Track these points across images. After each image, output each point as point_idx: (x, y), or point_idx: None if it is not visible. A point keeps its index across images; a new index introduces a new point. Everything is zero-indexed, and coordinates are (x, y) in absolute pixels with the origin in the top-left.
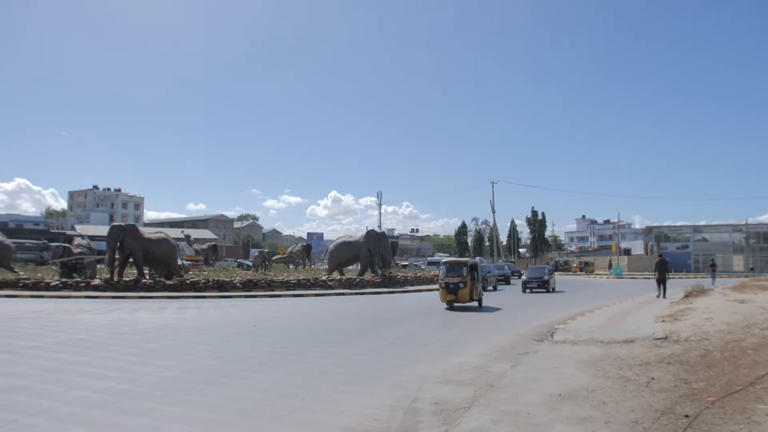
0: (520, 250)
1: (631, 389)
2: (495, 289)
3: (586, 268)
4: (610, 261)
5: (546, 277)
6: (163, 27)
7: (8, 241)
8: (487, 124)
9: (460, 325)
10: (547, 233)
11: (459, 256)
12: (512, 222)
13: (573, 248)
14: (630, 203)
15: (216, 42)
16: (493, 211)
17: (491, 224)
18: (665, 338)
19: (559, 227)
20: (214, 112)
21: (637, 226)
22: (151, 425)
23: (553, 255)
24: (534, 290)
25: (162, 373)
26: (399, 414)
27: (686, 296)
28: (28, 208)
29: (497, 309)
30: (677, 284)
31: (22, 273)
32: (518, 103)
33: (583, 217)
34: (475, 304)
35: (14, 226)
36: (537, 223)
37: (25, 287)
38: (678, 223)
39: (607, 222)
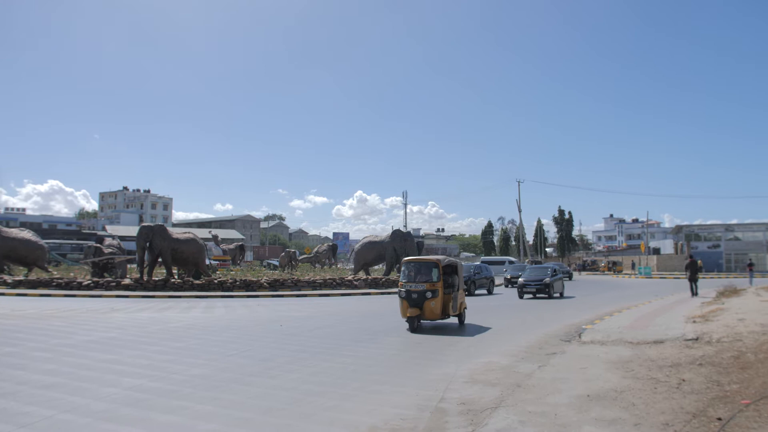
0: (547, 249)
1: (662, 391)
2: (490, 292)
3: (614, 267)
4: (632, 261)
5: (547, 279)
6: (192, 28)
7: (42, 242)
8: (514, 123)
9: (488, 324)
10: (575, 232)
11: (485, 256)
12: (539, 221)
13: (601, 248)
14: (659, 202)
15: (243, 44)
16: (520, 210)
17: (517, 223)
18: (696, 339)
19: (587, 226)
20: (240, 114)
21: (667, 225)
22: (180, 422)
23: (581, 254)
24: (536, 296)
25: (191, 372)
26: (426, 414)
27: (718, 296)
28: (61, 209)
29: (485, 329)
30: (709, 284)
31: (55, 272)
32: (545, 102)
33: (611, 216)
34: (454, 321)
35: (48, 227)
36: (564, 222)
37: (59, 286)
38: (709, 222)
39: (635, 221)
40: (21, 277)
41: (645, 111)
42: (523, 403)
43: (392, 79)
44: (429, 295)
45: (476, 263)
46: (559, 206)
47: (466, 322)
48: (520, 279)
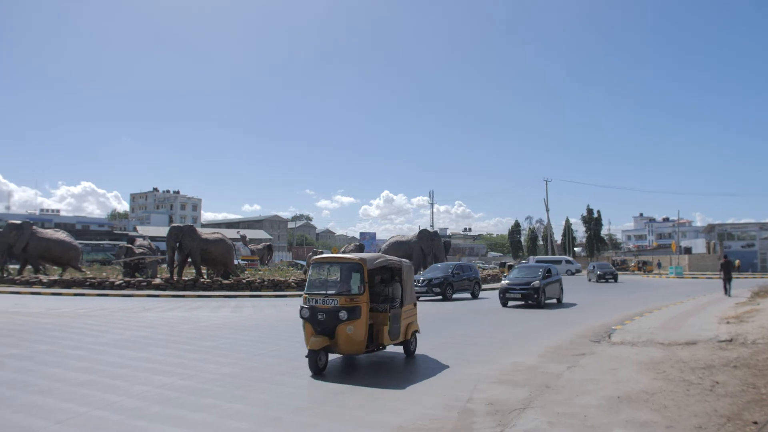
0: (576, 249)
1: (695, 393)
2: (475, 296)
3: (644, 267)
4: (658, 261)
5: (537, 283)
6: (220, 30)
7: (76, 242)
8: (541, 122)
9: (516, 325)
10: (603, 232)
11: (513, 256)
12: (567, 220)
13: (630, 247)
14: (690, 200)
15: (271, 45)
16: (547, 210)
17: (545, 223)
18: (730, 341)
19: (616, 226)
20: (268, 115)
21: (698, 223)
22: (210, 420)
23: (610, 254)
24: (527, 303)
25: (220, 370)
26: (453, 414)
27: (753, 297)
28: (94, 211)
29: (441, 368)
30: (743, 284)
31: (88, 272)
32: (572, 101)
33: (641, 215)
34: (398, 349)
35: (81, 228)
36: (592, 221)
37: (92, 286)
38: (742, 221)
39: (666, 220)
40: (56, 277)
41: (675, 109)
42: (551, 404)
43: (418, 80)
44: (344, 315)
45: (458, 263)
46: (588, 205)
47: (418, 352)
48: (503, 281)
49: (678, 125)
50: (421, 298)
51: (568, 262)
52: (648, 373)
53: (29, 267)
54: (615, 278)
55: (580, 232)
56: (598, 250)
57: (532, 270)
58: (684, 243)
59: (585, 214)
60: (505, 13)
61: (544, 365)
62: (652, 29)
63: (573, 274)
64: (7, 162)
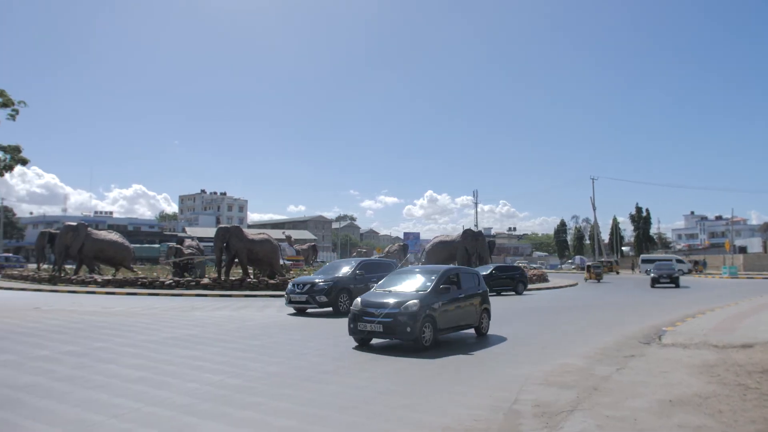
0: (623, 248)
1: (752, 398)
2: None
3: (696, 267)
4: (704, 260)
5: (413, 306)
6: (265, 33)
7: (128, 243)
8: (587, 120)
9: (563, 325)
10: (653, 231)
11: (558, 255)
12: (614, 219)
13: (681, 246)
14: (745, 198)
15: (314, 48)
16: (594, 208)
17: (592, 222)
18: None
19: (666, 224)
20: (312, 117)
21: (754, 222)
22: (257, 418)
23: (659, 253)
24: (386, 336)
25: (267, 369)
26: (499, 415)
27: None
28: (145, 212)
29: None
30: None
31: (140, 272)
32: (618, 98)
33: (692, 213)
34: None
35: (132, 229)
36: (641, 220)
37: (143, 285)
38: None
39: (719, 218)
40: (109, 277)
41: (728, 106)
42: (600, 407)
43: (462, 80)
44: None
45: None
46: (636, 203)
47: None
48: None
49: (732, 122)
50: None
51: (678, 261)
52: (701, 376)
53: (85, 267)
54: (675, 283)
55: (628, 231)
56: (646, 250)
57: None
58: (738, 242)
59: (633, 212)
60: (548, 12)
61: (592, 367)
62: (701, 29)
63: (684, 273)
64: (63, 166)
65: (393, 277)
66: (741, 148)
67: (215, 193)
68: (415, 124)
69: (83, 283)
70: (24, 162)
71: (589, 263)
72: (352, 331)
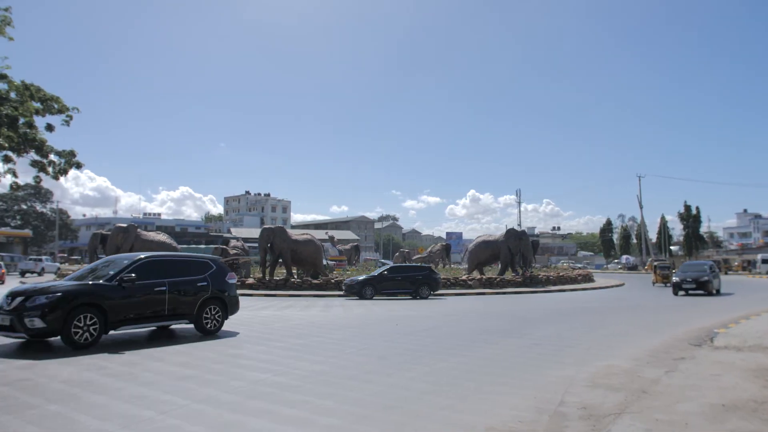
0: (672, 247)
1: None
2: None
3: (749, 267)
4: (745, 261)
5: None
6: (309, 36)
7: (176, 244)
8: (633, 118)
9: (609, 326)
10: (703, 229)
11: (604, 255)
12: (662, 218)
13: (733, 245)
14: None
15: (358, 50)
16: (641, 207)
17: (638, 221)
18: None
19: (716, 223)
20: (355, 118)
21: None
22: (302, 416)
23: (710, 253)
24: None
25: (311, 368)
26: (544, 417)
27: None
28: (191, 214)
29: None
30: None
31: None
32: (665, 95)
33: (745, 211)
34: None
35: (179, 230)
36: (690, 218)
37: None
38: None
39: None
40: None
41: None
42: (649, 410)
43: (503, 78)
44: None
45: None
46: (685, 201)
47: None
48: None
49: None
50: None
51: (765, 261)
52: (756, 380)
53: None
54: (705, 288)
55: (677, 230)
56: (696, 249)
57: None
58: None
59: (682, 210)
60: (591, 9)
61: (640, 369)
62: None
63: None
64: (114, 170)
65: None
66: None
67: (259, 194)
68: (456, 124)
69: None
70: (78, 166)
71: (656, 263)
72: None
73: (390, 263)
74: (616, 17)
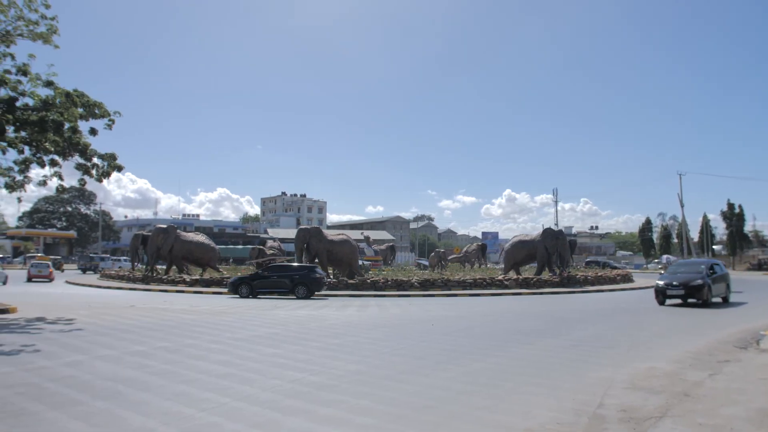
0: (715, 247)
1: None
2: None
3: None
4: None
5: None
6: (344, 38)
7: (214, 244)
8: (672, 115)
9: (649, 327)
10: (747, 228)
11: (644, 255)
12: (704, 217)
13: None
14: None
15: (393, 51)
16: (682, 205)
17: (679, 219)
18: None
19: (762, 221)
20: (391, 118)
21: None
22: (338, 415)
23: (755, 252)
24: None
25: (347, 367)
26: (583, 419)
27: None
28: (229, 215)
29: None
30: None
31: (225, 272)
32: (707, 93)
33: None
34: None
35: (217, 231)
36: (734, 217)
37: None
38: None
39: None
40: (197, 277)
41: None
42: (692, 414)
43: (539, 78)
44: None
45: None
46: (728, 199)
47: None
48: None
49: None
50: None
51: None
52: None
53: (174, 267)
54: (698, 296)
55: (720, 229)
56: (741, 249)
57: None
58: None
59: (725, 209)
60: (628, 10)
61: (683, 371)
62: None
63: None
64: (155, 172)
65: None
66: None
67: (295, 195)
68: (492, 124)
69: (173, 282)
70: (120, 169)
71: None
72: None
73: (425, 262)
74: (654, 17)
